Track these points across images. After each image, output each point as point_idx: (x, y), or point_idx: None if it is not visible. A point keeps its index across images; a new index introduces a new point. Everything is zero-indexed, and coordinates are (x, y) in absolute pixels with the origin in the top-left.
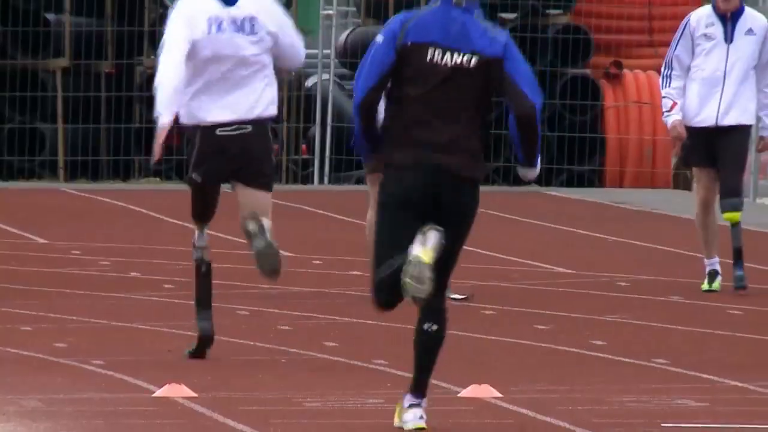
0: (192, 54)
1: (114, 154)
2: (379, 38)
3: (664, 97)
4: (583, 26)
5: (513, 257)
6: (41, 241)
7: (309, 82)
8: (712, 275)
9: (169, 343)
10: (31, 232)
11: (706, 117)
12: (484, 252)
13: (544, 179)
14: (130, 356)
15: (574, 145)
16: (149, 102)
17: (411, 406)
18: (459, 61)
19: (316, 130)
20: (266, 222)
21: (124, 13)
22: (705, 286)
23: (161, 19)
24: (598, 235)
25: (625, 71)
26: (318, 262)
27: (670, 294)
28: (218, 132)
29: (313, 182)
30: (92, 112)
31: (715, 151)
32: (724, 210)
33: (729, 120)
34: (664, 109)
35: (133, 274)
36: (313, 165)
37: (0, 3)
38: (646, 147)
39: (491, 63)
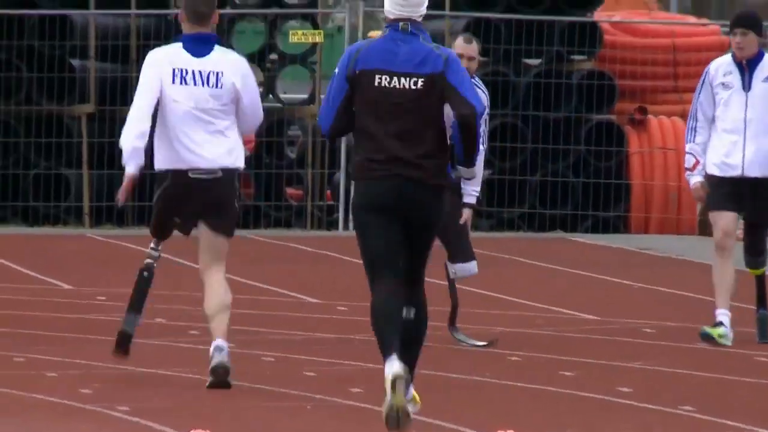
0: (161, 102)
1: (139, 199)
2: (336, 71)
3: (687, 152)
4: (607, 72)
5: (538, 303)
6: (66, 287)
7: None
8: (716, 325)
9: (195, 390)
10: (56, 278)
11: (730, 168)
12: (509, 298)
13: (569, 225)
14: (155, 402)
15: (599, 191)
16: None
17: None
18: (406, 84)
19: (341, 176)
20: (226, 349)
21: None
22: (706, 328)
23: None
24: (623, 281)
25: (650, 117)
26: (343, 308)
27: (696, 340)
28: (190, 175)
29: (338, 228)
30: (117, 158)
31: (739, 198)
32: (747, 266)
33: (754, 171)
34: (686, 166)
35: (158, 320)
36: (337, 211)
37: (26, 49)
38: (672, 193)
39: (435, 79)
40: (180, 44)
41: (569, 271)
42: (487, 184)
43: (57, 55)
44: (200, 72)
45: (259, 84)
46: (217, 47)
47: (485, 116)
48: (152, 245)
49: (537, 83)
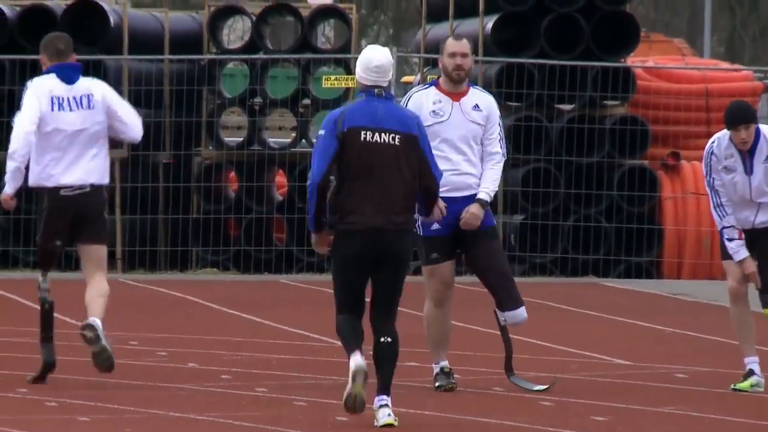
0: (40, 127)
1: (171, 244)
2: (321, 132)
3: (726, 227)
4: (640, 117)
5: (571, 348)
6: None
7: None
8: (747, 374)
9: None
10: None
11: (741, 222)
12: (541, 343)
13: (601, 270)
14: None
15: (631, 236)
16: (207, 192)
17: (381, 406)
18: (387, 139)
19: None
20: (99, 324)
21: (182, 104)
22: (736, 385)
23: (219, 109)
24: (655, 326)
25: (683, 162)
26: None
27: (728, 386)
28: (62, 193)
29: None
30: (150, 203)
31: (752, 244)
32: (763, 305)
33: (765, 221)
34: (726, 237)
35: (190, 364)
36: None
37: None
38: (705, 238)
39: (410, 139)
40: (53, 74)
41: (602, 316)
42: (519, 229)
43: None
44: (74, 97)
45: (292, 129)
46: (81, 76)
47: (499, 121)
48: (41, 279)
49: (570, 128)
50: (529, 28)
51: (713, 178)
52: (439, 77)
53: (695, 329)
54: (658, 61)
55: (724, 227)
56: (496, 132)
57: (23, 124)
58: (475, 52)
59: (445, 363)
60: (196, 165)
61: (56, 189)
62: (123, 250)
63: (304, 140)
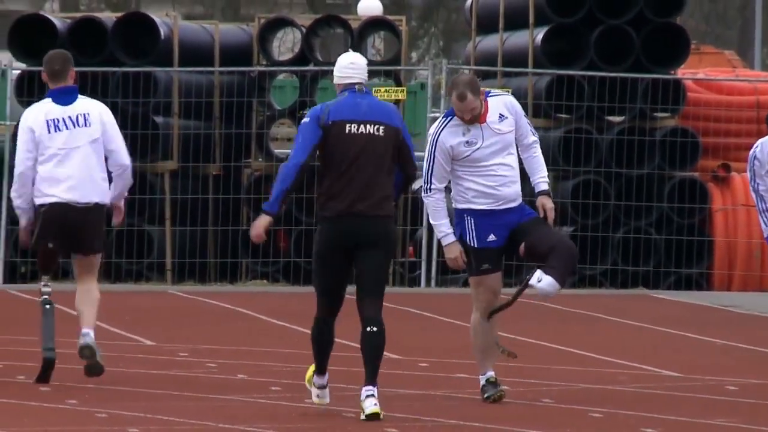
0: (41, 152)
1: (221, 256)
2: (306, 119)
3: None
4: (690, 129)
5: (621, 360)
6: (149, 343)
7: (416, 185)
8: None
9: None
10: (138, 334)
11: None
12: (591, 355)
13: (652, 282)
14: None
15: (682, 247)
16: (257, 204)
17: (368, 396)
18: (371, 130)
19: (423, 232)
20: (92, 341)
21: (232, 116)
22: None
23: (269, 121)
24: (705, 338)
25: (734, 174)
26: (424, 364)
27: None
28: (63, 208)
29: (420, 285)
30: (200, 215)
31: None
32: None
33: None
34: None
35: (240, 376)
36: (420, 268)
37: (109, 106)
38: (755, 250)
39: (394, 131)
40: (49, 99)
41: (652, 328)
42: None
43: (140, 113)
44: (69, 117)
45: None
46: (80, 96)
47: (523, 112)
48: (44, 281)
49: (620, 140)
50: (579, 40)
51: (758, 183)
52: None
53: (746, 341)
54: (708, 73)
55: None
56: (526, 123)
57: (19, 166)
58: (525, 64)
59: (491, 373)
60: (245, 177)
61: (58, 204)
62: (173, 262)
63: None
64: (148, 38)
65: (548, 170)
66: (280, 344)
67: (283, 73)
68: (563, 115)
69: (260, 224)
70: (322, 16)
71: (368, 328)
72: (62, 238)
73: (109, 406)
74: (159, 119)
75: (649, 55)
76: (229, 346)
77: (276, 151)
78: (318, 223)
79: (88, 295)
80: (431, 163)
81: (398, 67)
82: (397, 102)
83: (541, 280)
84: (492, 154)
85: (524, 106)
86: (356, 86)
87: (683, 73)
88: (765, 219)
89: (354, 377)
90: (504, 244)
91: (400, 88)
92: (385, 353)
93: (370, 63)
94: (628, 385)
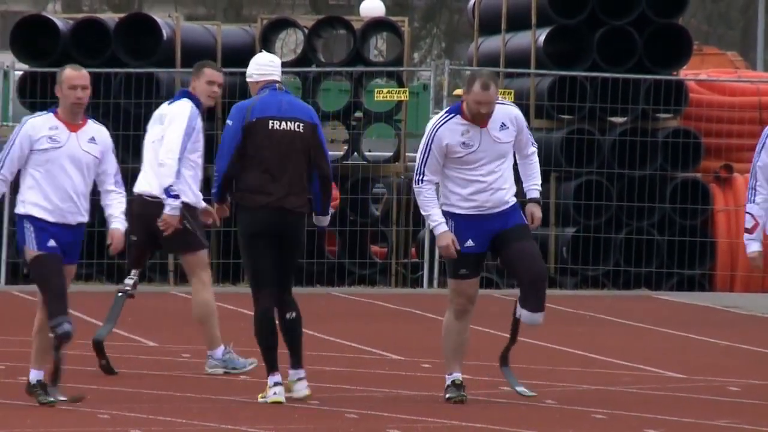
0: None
1: (224, 257)
2: (229, 122)
3: (747, 212)
4: (693, 130)
5: (623, 361)
6: (151, 344)
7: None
8: None
9: None
10: (141, 335)
11: None
12: (594, 356)
13: (654, 283)
14: None
15: (684, 248)
16: None
17: (299, 379)
18: (292, 126)
19: (426, 233)
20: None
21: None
22: None
23: None
24: (708, 339)
25: (736, 175)
26: (427, 365)
27: None
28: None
29: (422, 286)
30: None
31: None
32: None
33: None
34: (746, 226)
35: (242, 377)
36: (422, 268)
37: (112, 107)
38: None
39: (312, 127)
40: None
41: (654, 329)
42: (571, 242)
43: (143, 113)
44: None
45: (344, 142)
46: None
47: (525, 124)
48: (133, 273)
49: (622, 141)
50: (582, 41)
51: (759, 165)
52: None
53: (748, 342)
54: (711, 74)
55: (746, 212)
56: (527, 134)
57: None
58: (527, 64)
59: (457, 375)
60: None
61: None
62: (175, 263)
63: (356, 153)
64: (150, 39)
65: (551, 171)
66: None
67: (285, 74)
68: (566, 116)
69: (217, 210)
70: (324, 17)
71: (287, 315)
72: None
73: (112, 407)
74: None
75: (652, 56)
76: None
77: None
78: (239, 214)
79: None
80: (426, 155)
81: (400, 68)
82: (399, 103)
83: (520, 315)
84: (484, 160)
85: (526, 107)
86: (276, 84)
87: (685, 74)
88: (750, 197)
89: (355, 378)
90: (484, 251)
91: (402, 89)
92: (387, 354)
93: (373, 64)
94: (631, 386)
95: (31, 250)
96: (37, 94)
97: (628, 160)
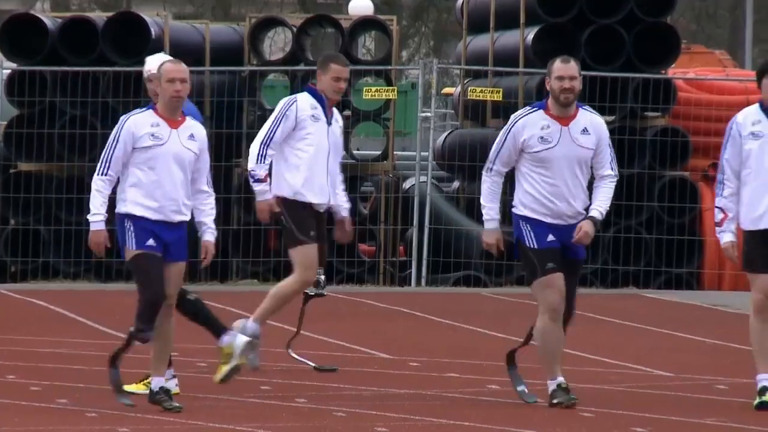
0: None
1: (222, 255)
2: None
3: (716, 206)
4: (681, 129)
5: (611, 359)
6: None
7: (407, 184)
8: (762, 391)
9: None
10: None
11: (763, 220)
12: (582, 354)
13: (642, 281)
14: None
15: (672, 247)
16: (247, 203)
17: (173, 377)
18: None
19: (414, 232)
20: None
21: (223, 116)
22: (758, 402)
23: (260, 121)
24: (696, 338)
25: None
26: (415, 363)
27: None
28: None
29: (410, 284)
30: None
31: None
32: None
33: None
34: (715, 220)
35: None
36: (410, 267)
37: (100, 105)
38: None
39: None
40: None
41: (642, 327)
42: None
43: None
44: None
45: None
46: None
47: (609, 141)
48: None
49: (611, 139)
50: (570, 40)
51: (726, 157)
52: (547, 98)
53: (736, 340)
54: (699, 73)
55: (715, 206)
56: (607, 154)
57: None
58: (516, 63)
59: (561, 379)
60: (236, 176)
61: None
62: None
63: (344, 151)
64: (138, 38)
65: None
66: (271, 343)
67: (274, 73)
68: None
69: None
70: (313, 15)
71: (189, 296)
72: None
73: (100, 405)
74: None
75: (640, 54)
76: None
77: None
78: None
79: None
80: (501, 145)
81: (389, 67)
82: (387, 102)
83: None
84: (561, 161)
85: (515, 106)
86: None
87: (674, 72)
88: (719, 191)
89: (344, 376)
90: (561, 248)
91: (390, 88)
92: (375, 352)
93: (361, 62)
94: (619, 384)
95: (130, 249)
96: (26, 93)
97: (616, 159)
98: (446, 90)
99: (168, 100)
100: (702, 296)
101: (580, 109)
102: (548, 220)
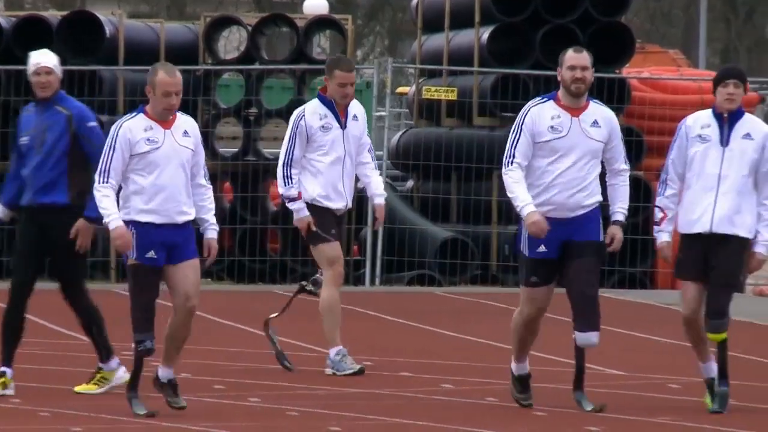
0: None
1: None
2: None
3: (656, 206)
4: (635, 128)
5: (564, 359)
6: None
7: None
8: (711, 384)
9: None
10: (82, 333)
11: (699, 223)
12: (534, 353)
13: None
14: None
15: (625, 246)
16: None
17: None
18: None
19: (368, 231)
20: None
21: None
22: (708, 401)
23: (214, 120)
24: (649, 336)
25: None
26: (369, 363)
27: None
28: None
29: (364, 284)
30: None
31: (706, 259)
32: (707, 330)
33: (723, 228)
34: (654, 220)
35: (183, 374)
36: (364, 266)
37: None
38: None
39: None
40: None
41: None
42: (513, 239)
43: None
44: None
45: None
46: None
47: (620, 135)
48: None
49: None
50: (525, 39)
51: (672, 158)
52: (558, 90)
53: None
54: (653, 72)
55: (655, 205)
56: (620, 147)
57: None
58: (470, 62)
59: (524, 365)
60: None
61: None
62: (117, 260)
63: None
64: (93, 37)
65: (494, 169)
66: (224, 342)
67: (229, 72)
68: (509, 114)
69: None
70: (268, 14)
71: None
72: None
73: (53, 405)
74: (104, 118)
75: (595, 54)
76: None
77: (221, 149)
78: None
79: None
80: (516, 137)
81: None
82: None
83: (575, 338)
84: (570, 152)
85: (469, 105)
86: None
87: (628, 71)
88: (660, 190)
89: (297, 376)
90: (556, 258)
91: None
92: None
93: (316, 61)
94: (571, 383)
95: (131, 257)
96: None
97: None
98: (401, 89)
99: (161, 111)
100: (655, 295)
101: (591, 102)
102: (554, 214)
